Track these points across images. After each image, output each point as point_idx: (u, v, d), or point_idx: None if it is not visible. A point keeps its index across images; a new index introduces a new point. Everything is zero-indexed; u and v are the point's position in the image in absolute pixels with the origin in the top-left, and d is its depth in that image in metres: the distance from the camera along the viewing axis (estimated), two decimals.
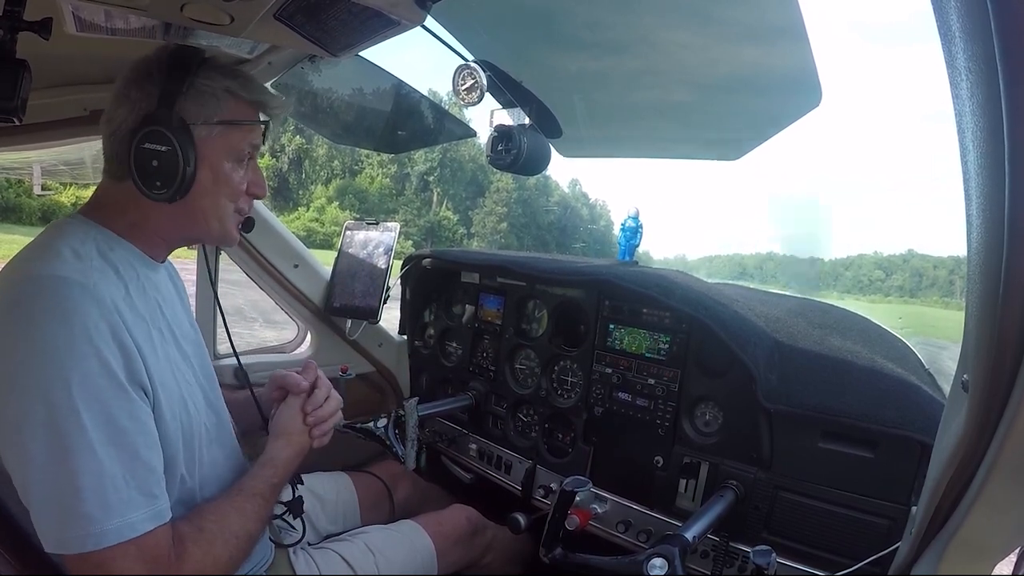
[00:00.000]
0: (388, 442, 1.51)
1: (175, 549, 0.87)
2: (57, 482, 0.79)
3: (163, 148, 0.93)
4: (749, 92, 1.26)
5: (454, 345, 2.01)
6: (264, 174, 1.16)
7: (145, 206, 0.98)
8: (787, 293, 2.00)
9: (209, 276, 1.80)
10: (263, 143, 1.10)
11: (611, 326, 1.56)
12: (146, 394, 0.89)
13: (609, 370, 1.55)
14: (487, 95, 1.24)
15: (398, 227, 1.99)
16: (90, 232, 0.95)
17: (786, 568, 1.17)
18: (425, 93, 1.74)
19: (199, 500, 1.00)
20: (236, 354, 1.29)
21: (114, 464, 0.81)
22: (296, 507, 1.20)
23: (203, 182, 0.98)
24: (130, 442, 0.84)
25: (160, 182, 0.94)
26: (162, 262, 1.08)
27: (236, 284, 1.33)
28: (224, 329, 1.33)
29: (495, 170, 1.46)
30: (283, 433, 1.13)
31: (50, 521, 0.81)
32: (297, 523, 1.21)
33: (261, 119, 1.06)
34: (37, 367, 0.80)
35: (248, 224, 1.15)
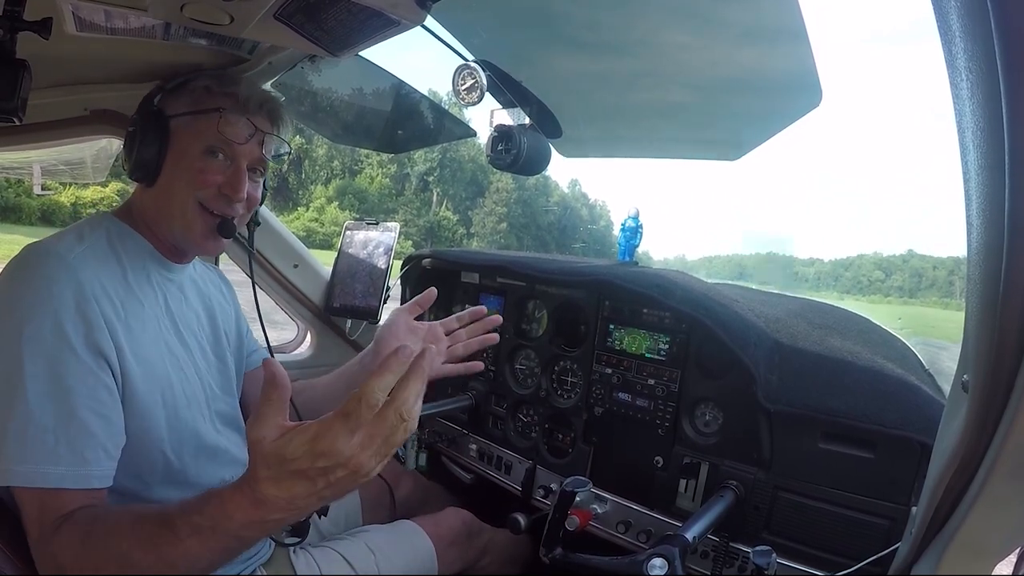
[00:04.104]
0: None
1: (61, 524, 0.84)
2: None
3: (132, 129, 1.05)
4: (749, 92, 1.26)
5: None
6: (265, 178, 1.17)
7: (140, 195, 1.09)
8: (788, 293, 2.00)
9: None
10: (261, 149, 1.11)
11: (611, 326, 1.56)
12: (108, 364, 0.92)
13: (609, 370, 1.55)
14: (487, 95, 1.24)
15: (398, 227, 1.99)
16: (106, 224, 1.05)
17: (786, 568, 1.17)
18: (425, 93, 1.74)
19: (194, 483, 1.03)
20: (270, 349, 1.31)
21: (46, 416, 0.85)
22: (302, 529, 1.20)
23: (169, 169, 1.05)
24: (70, 401, 0.87)
25: (126, 157, 1.07)
26: (178, 263, 1.14)
27: (236, 284, 1.33)
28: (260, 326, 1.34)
29: (495, 170, 1.46)
30: (272, 462, 0.70)
31: None
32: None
33: (229, 108, 1.06)
34: (1, 319, 0.88)
35: (225, 229, 1.09)
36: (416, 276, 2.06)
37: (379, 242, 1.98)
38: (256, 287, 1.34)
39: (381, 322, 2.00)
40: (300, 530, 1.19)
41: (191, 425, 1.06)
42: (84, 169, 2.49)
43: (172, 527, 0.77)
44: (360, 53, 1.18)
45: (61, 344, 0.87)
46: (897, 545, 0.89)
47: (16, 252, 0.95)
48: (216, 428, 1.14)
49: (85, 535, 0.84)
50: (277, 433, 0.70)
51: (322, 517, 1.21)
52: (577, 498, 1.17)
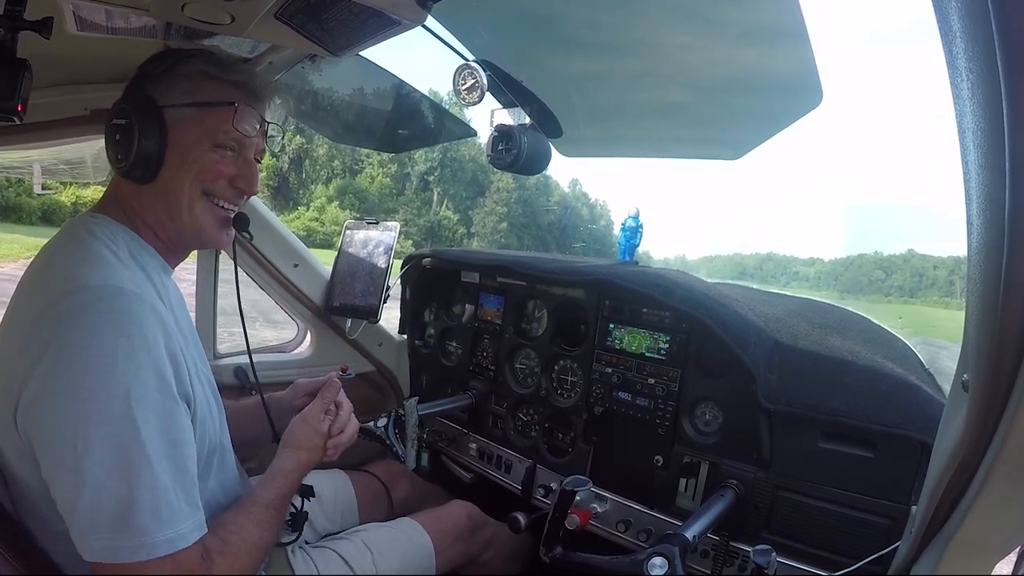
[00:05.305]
0: (388, 441, 1.51)
1: (204, 562, 0.87)
2: (112, 493, 0.79)
3: (124, 122, 0.95)
4: (749, 92, 1.26)
5: (454, 345, 2.01)
6: (261, 173, 1.13)
7: (134, 193, 0.99)
8: (787, 293, 2.00)
9: (214, 274, 1.81)
10: (264, 140, 1.08)
11: (611, 326, 1.56)
12: (188, 404, 0.90)
13: (609, 370, 1.55)
14: (487, 95, 1.24)
15: (398, 226, 1.98)
16: (119, 234, 0.96)
17: (786, 567, 1.17)
18: (425, 93, 1.74)
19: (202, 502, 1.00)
20: (250, 354, 1.28)
21: (167, 476, 0.82)
22: (299, 521, 1.20)
23: (171, 164, 0.97)
24: (180, 454, 0.85)
25: (121, 155, 0.96)
26: (174, 266, 1.09)
27: (231, 283, 1.32)
28: (241, 327, 1.30)
29: (495, 170, 1.46)
30: (298, 446, 1.11)
31: (99, 531, 0.79)
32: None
33: (240, 102, 1.00)
34: (97, 378, 0.79)
35: (240, 222, 1.09)
36: (416, 275, 2.06)
37: (379, 241, 1.98)
38: (238, 275, 1.29)
39: (380, 321, 2.01)
40: (296, 523, 1.20)
41: (213, 447, 1.03)
42: (84, 169, 2.48)
43: (273, 505, 1.03)
44: (361, 53, 1.18)
45: (166, 396, 0.84)
46: (897, 544, 0.90)
47: (23, 257, 0.91)
48: (220, 444, 1.09)
49: (233, 555, 0.92)
50: (322, 414, 1.15)
51: (311, 499, 1.23)
52: (577, 497, 1.17)
